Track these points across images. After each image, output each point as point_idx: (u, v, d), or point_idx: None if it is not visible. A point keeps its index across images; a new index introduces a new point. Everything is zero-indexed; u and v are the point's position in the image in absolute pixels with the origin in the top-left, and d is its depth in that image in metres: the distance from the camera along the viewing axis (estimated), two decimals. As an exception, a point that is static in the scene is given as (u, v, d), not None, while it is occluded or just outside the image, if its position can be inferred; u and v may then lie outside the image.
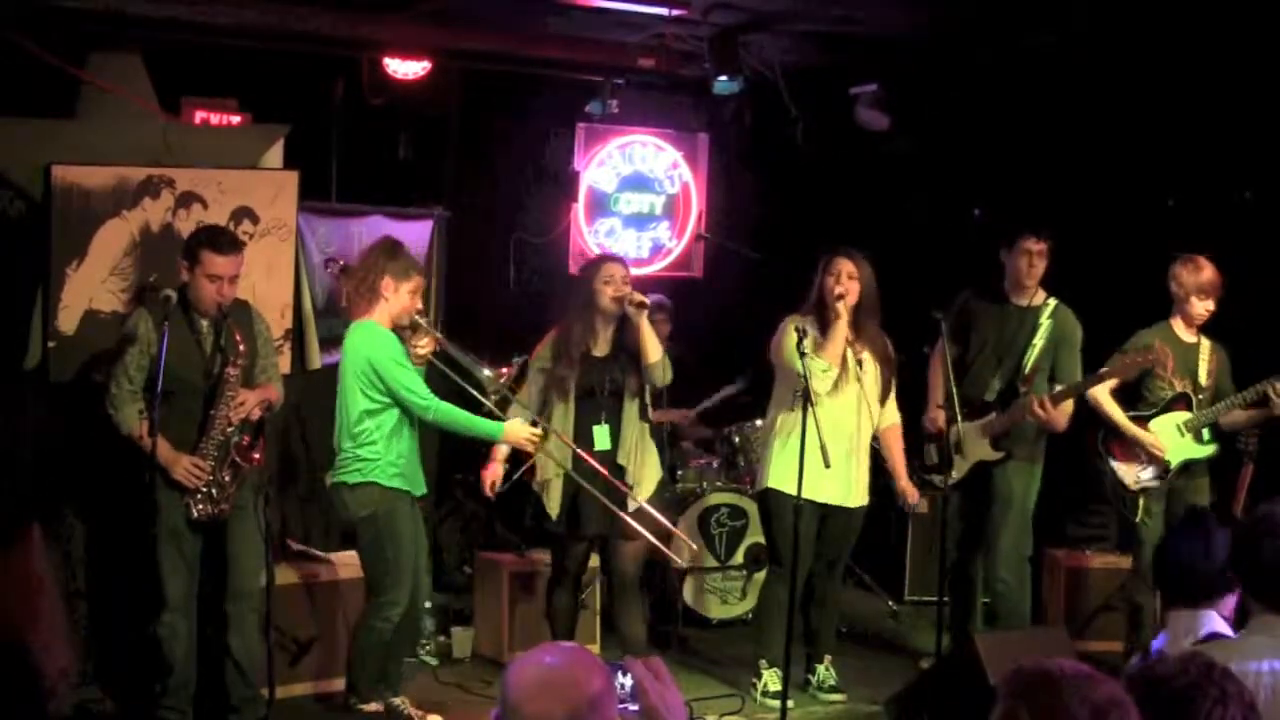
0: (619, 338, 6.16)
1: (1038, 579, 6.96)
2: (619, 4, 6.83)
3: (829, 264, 6.29)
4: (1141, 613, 6.50)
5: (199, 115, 6.65)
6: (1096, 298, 6.81)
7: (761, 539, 6.95)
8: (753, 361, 7.55)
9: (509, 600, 6.89)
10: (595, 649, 6.72)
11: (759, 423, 7.22)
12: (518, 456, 6.25)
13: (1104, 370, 6.44)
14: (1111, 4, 6.59)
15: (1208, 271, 6.42)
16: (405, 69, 7.24)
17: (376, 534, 5.83)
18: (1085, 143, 7.56)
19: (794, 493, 5.99)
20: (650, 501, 6.18)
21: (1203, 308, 6.44)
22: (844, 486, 6.32)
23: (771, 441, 6.40)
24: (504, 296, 8.17)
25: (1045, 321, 6.57)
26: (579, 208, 8.30)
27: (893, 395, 6.47)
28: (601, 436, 6.13)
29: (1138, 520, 6.52)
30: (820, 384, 6.17)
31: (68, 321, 6.05)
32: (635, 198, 8.55)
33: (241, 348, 5.54)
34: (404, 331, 5.91)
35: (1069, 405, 6.46)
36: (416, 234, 7.42)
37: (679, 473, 7.72)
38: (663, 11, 6.91)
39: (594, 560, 6.51)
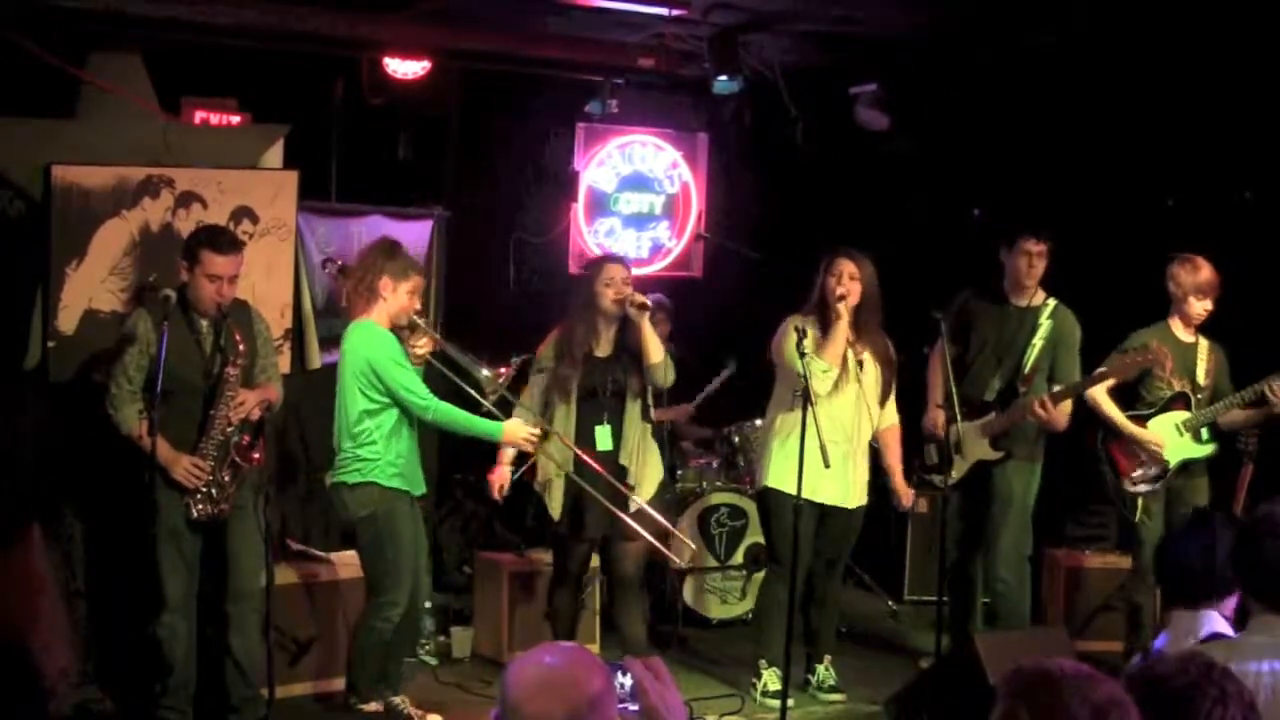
0: (621, 338, 6.16)
1: (1037, 579, 6.96)
2: (619, 4, 6.82)
3: (831, 264, 6.29)
4: (1141, 613, 6.51)
5: (199, 115, 6.65)
6: (1096, 298, 6.81)
7: (761, 539, 6.95)
8: (740, 348, 7.57)
9: (509, 600, 6.89)
10: (595, 649, 6.72)
11: (759, 422, 7.21)
12: (519, 457, 6.24)
13: (1102, 370, 6.44)
14: (1111, 4, 6.59)
15: (1205, 271, 6.42)
16: (405, 69, 7.24)
17: (376, 534, 5.83)
18: (1085, 143, 7.55)
19: (793, 492, 5.99)
20: (652, 501, 6.18)
21: (1200, 307, 6.44)
22: (843, 487, 6.32)
23: (770, 441, 6.41)
24: (504, 296, 8.17)
25: (1045, 322, 6.57)
26: (579, 207, 8.30)
27: (892, 396, 6.47)
28: (604, 436, 6.13)
29: (1137, 520, 6.53)
30: (820, 384, 6.17)
31: (67, 321, 6.05)
32: (635, 197, 8.55)
33: (241, 347, 5.54)
34: (402, 331, 5.91)
35: (1068, 405, 6.46)
36: (416, 234, 7.42)
37: (679, 473, 7.72)
38: (663, 11, 6.91)
39: (594, 560, 6.51)
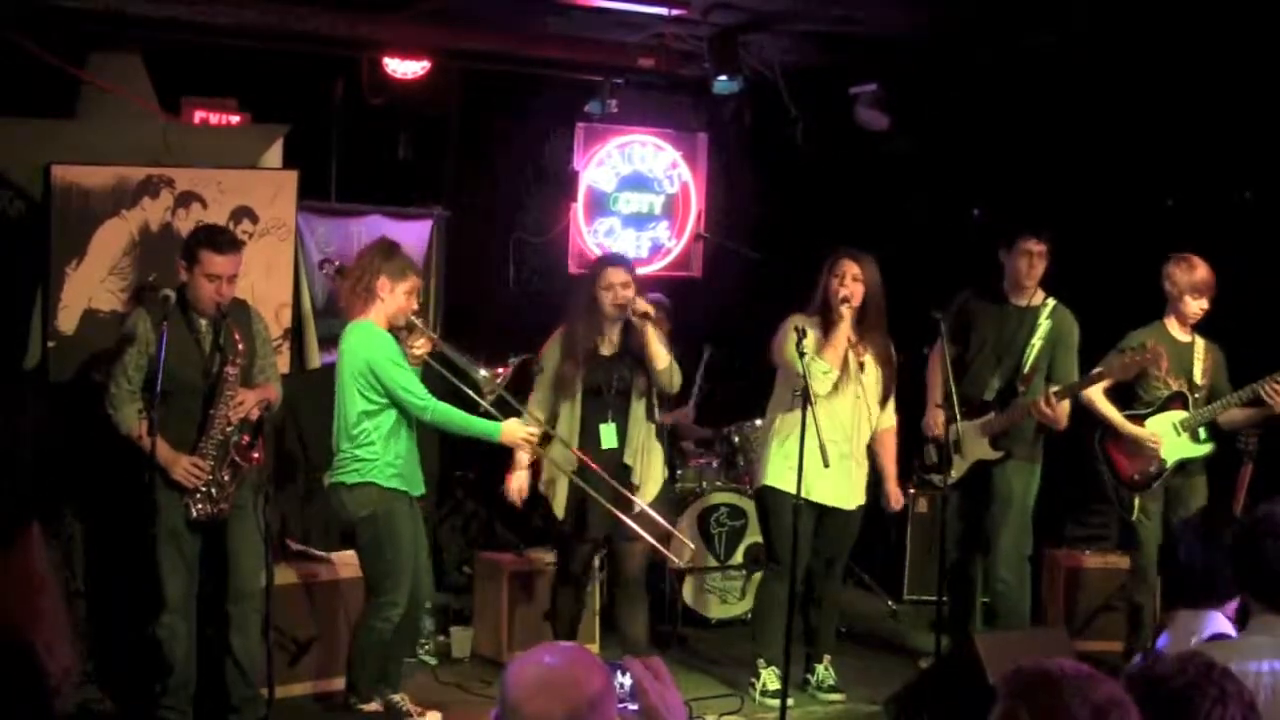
0: (626, 337, 6.16)
1: (1037, 579, 6.96)
2: (619, 4, 6.83)
3: (834, 265, 6.28)
4: (1141, 613, 6.51)
5: (199, 115, 6.65)
6: (1096, 298, 6.81)
7: (761, 539, 6.95)
8: (739, 348, 7.57)
9: (508, 600, 6.89)
10: (595, 649, 6.72)
11: (758, 422, 7.22)
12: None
13: (1100, 370, 6.44)
14: (1111, 4, 6.59)
15: (1201, 270, 6.42)
16: (405, 69, 7.24)
17: (375, 534, 5.83)
18: (1085, 143, 7.56)
19: (792, 491, 6.00)
20: (655, 501, 6.18)
21: (1197, 306, 6.44)
22: (841, 488, 6.32)
23: (770, 440, 6.41)
24: (503, 296, 8.17)
25: (1044, 321, 6.57)
26: (578, 207, 8.30)
27: (891, 398, 6.47)
28: (608, 435, 6.13)
29: (1134, 519, 6.53)
30: (820, 385, 6.17)
31: (67, 321, 6.05)
32: (634, 197, 8.55)
33: (240, 347, 5.54)
34: (400, 332, 5.90)
35: (1067, 404, 6.47)
36: (416, 234, 7.42)
37: (679, 472, 7.72)
38: (662, 11, 6.91)
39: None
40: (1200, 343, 6.54)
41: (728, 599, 7.59)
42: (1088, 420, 6.58)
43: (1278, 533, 3.41)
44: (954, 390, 6.27)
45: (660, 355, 6.08)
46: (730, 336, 8.17)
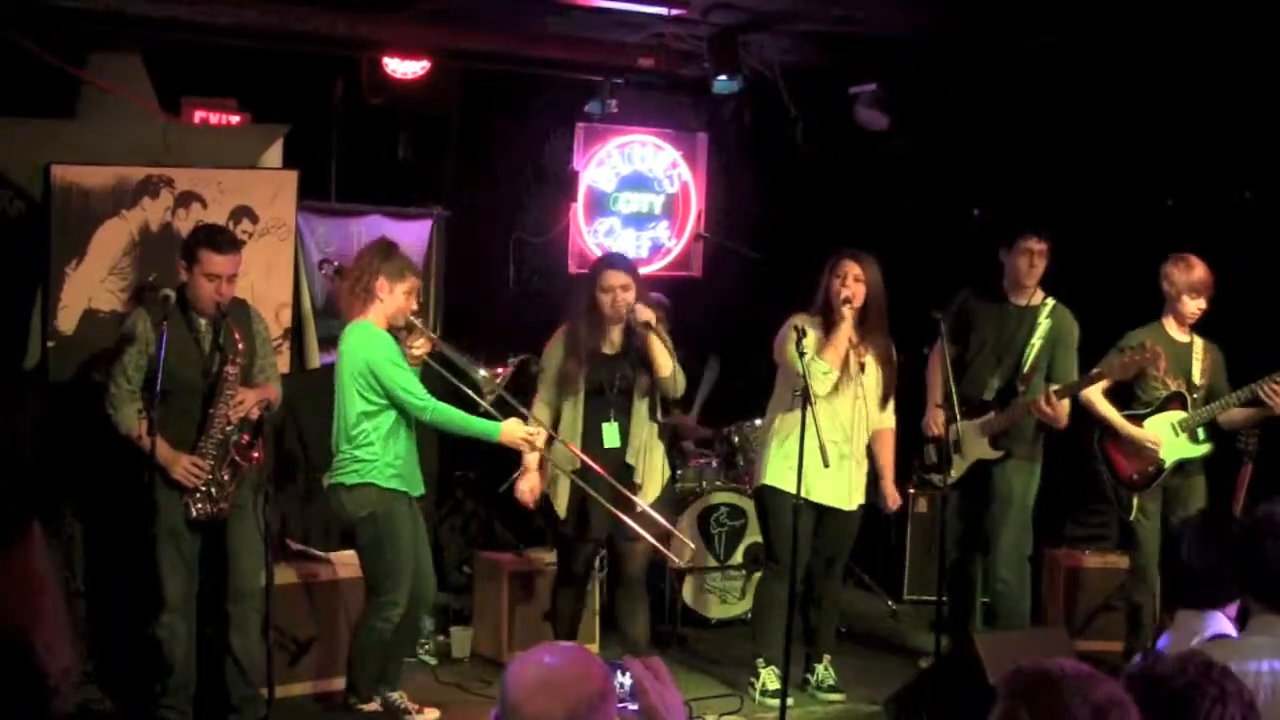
0: (628, 337, 6.15)
1: (1037, 579, 6.96)
2: (619, 4, 6.83)
3: (835, 265, 6.28)
4: (1140, 612, 6.52)
5: (199, 115, 6.65)
6: (1095, 298, 6.81)
7: (761, 539, 6.95)
8: (739, 348, 7.56)
9: (508, 600, 6.89)
10: (595, 649, 6.72)
11: (758, 422, 7.22)
12: (519, 455, 6.22)
13: (1100, 370, 6.44)
14: (1111, 4, 6.59)
15: (1199, 270, 6.42)
16: (405, 69, 7.24)
17: (375, 535, 5.83)
18: (1085, 143, 7.56)
19: (792, 490, 6.00)
20: (656, 501, 6.18)
21: (1195, 306, 6.44)
22: (840, 489, 6.32)
23: (769, 440, 6.41)
24: (503, 296, 8.17)
25: (1044, 321, 6.58)
26: (578, 207, 8.30)
27: (891, 399, 6.46)
28: (611, 434, 6.13)
29: (1132, 519, 6.54)
30: (820, 385, 6.17)
31: (67, 321, 6.05)
32: (634, 197, 8.55)
33: (240, 346, 5.54)
34: (399, 332, 5.90)
35: (1066, 403, 6.47)
36: (416, 234, 7.42)
37: (679, 472, 7.71)
38: (662, 11, 6.91)
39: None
40: (1199, 343, 6.54)
41: (728, 599, 7.59)
42: (1087, 420, 6.58)
43: (1278, 533, 3.41)
44: (954, 390, 6.28)
45: (664, 363, 6.07)
46: (730, 336, 8.17)
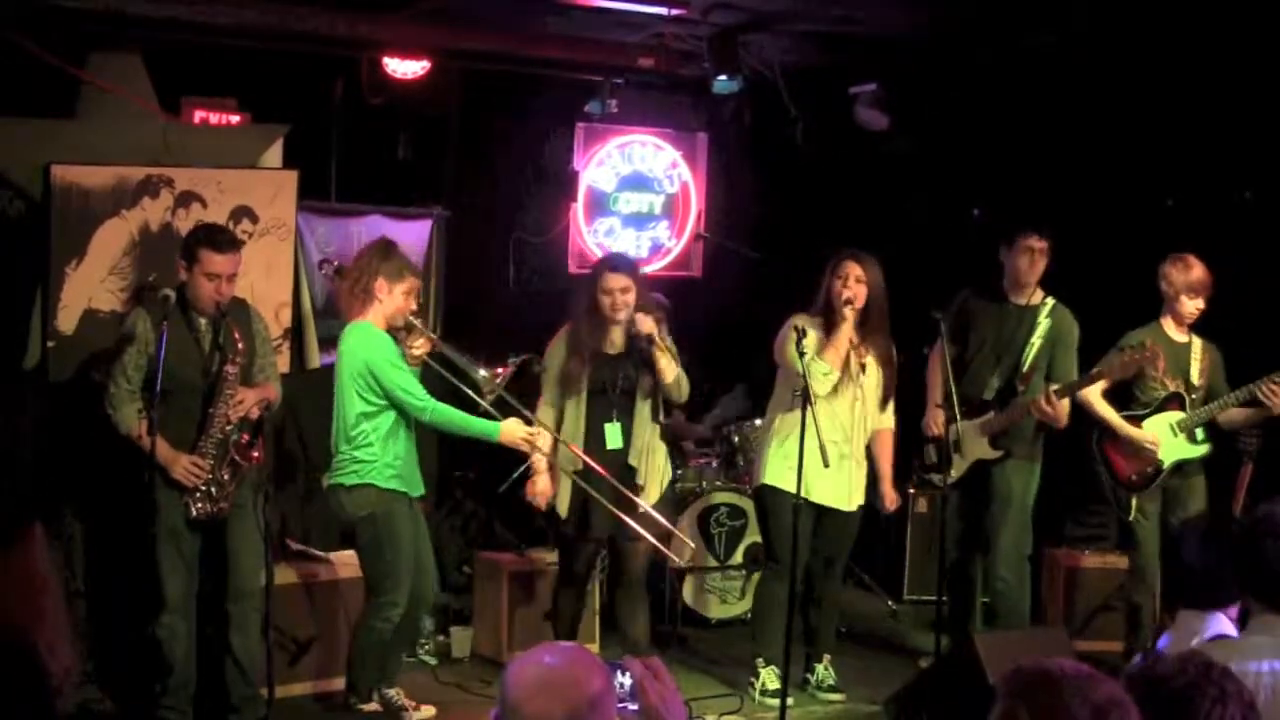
0: (632, 339, 6.13)
1: (1037, 579, 6.96)
2: (619, 4, 6.83)
3: (837, 266, 6.28)
4: (1140, 613, 6.52)
5: (199, 115, 6.65)
6: (1095, 298, 6.81)
7: (761, 539, 6.95)
8: (746, 367, 7.56)
9: (508, 600, 6.89)
10: (595, 649, 6.72)
11: (758, 422, 7.22)
12: (519, 455, 6.21)
13: (1099, 369, 6.45)
14: (1111, 4, 6.59)
15: (1197, 270, 6.42)
16: (405, 69, 7.24)
17: (375, 535, 5.83)
18: (1085, 143, 7.56)
19: (791, 490, 6.00)
20: (658, 501, 6.18)
21: (1193, 306, 6.44)
22: (840, 489, 6.32)
23: (769, 440, 6.40)
24: (503, 296, 8.17)
25: (1044, 321, 6.58)
26: (578, 207, 8.30)
27: (891, 400, 6.46)
28: (613, 435, 6.12)
29: (1131, 520, 6.53)
30: (820, 386, 6.17)
31: (67, 321, 6.05)
32: (634, 197, 8.55)
33: (240, 346, 5.54)
34: (399, 332, 5.90)
35: (1066, 403, 6.47)
36: (416, 234, 7.42)
37: (679, 472, 7.71)
38: (662, 11, 6.91)
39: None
40: (1197, 343, 6.54)
41: (728, 599, 7.58)
42: (1085, 421, 6.58)
43: (1278, 533, 3.41)
44: (954, 390, 6.28)
45: (668, 371, 6.07)
46: (730, 336, 8.17)
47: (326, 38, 6.65)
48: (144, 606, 5.56)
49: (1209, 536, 3.69)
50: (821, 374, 6.18)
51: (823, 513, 6.34)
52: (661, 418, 6.28)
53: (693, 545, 7.15)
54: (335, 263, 6.54)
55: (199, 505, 5.53)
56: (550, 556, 6.86)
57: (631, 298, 6.05)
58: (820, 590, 6.52)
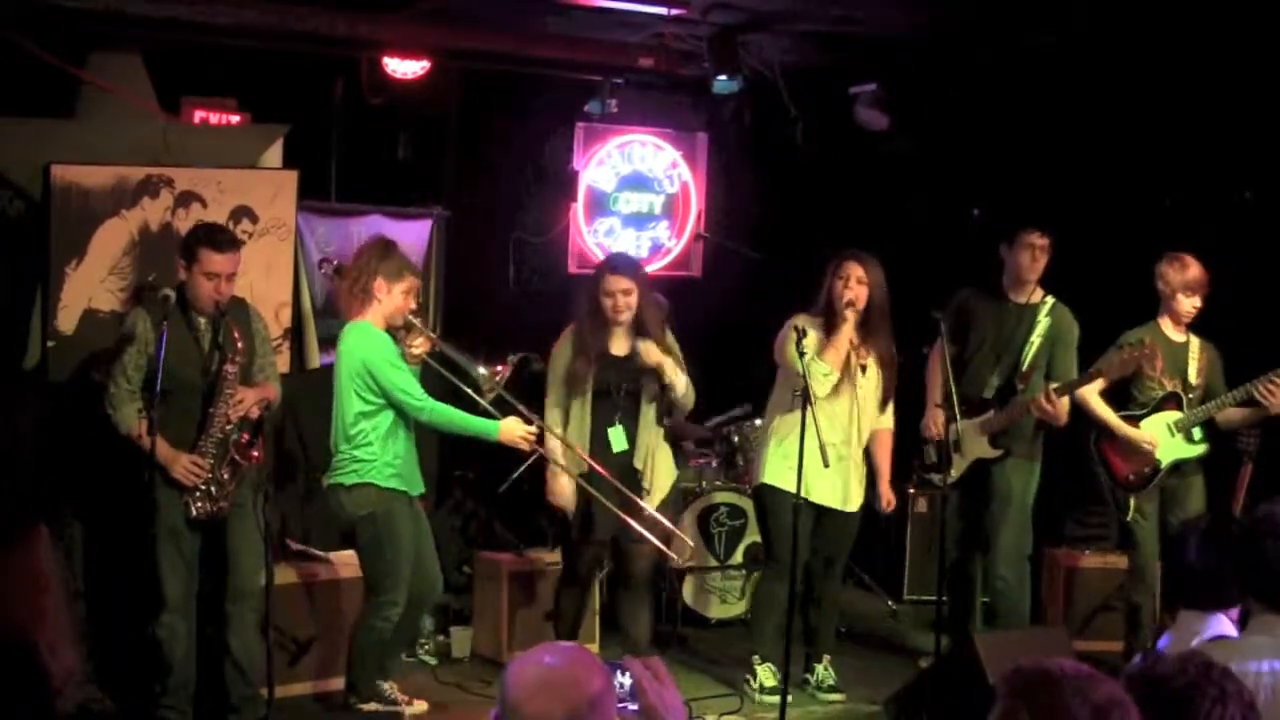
0: (636, 340, 6.13)
1: (1037, 578, 6.96)
2: (619, 4, 6.83)
3: (838, 267, 6.27)
4: (1139, 613, 6.52)
5: (198, 115, 6.65)
6: (1094, 298, 6.81)
7: (760, 538, 6.95)
8: (746, 367, 7.55)
9: (508, 600, 6.89)
10: (595, 649, 6.72)
11: (758, 422, 7.22)
12: (520, 454, 6.21)
13: (1098, 368, 6.45)
14: (1111, 4, 6.59)
15: (1194, 269, 6.43)
16: (405, 69, 7.24)
17: (375, 534, 5.83)
18: (1084, 143, 7.56)
19: (791, 489, 6.00)
20: (663, 502, 6.18)
21: (1190, 305, 6.45)
22: (839, 490, 6.32)
23: (768, 440, 6.41)
24: (503, 296, 8.17)
25: (1043, 319, 6.58)
26: (578, 207, 8.30)
27: (890, 402, 6.46)
28: (617, 438, 6.12)
29: (1129, 520, 6.54)
30: (820, 387, 6.16)
31: (67, 321, 6.05)
32: (634, 197, 8.55)
33: (240, 345, 5.54)
34: (398, 332, 5.90)
35: (1066, 400, 6.47)
36: (416, 234, 7.42)
37: (678, 472, 7.71)
38: (662, 11, 6.91)
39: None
40: (1195, 342, 6.54)
41: (728, 599, 7.58)
42: (1084, 421, 6.58)
43: (1278, 533, 3.41)
44: (954, 390, 6.28)
45: (678, 383, 6.08)
46: (730, 336, 8.16)
47: (326, 38, 6.65)
48: (144, 606, 5.56)
49: (1209, 536, 3.68)
50: (821, 374, 6.18)
51: (822, 513, 6.34)
52: (665, 421, 6.28)
53: (691, 544, 7.15)
54: (335, 262, 6.54)
55: (199, 505, 5.53)
56: (550, 556, 6.87)
57: (634, 299, 6.05)
58: (820, 590, 6.52)
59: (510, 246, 8.23)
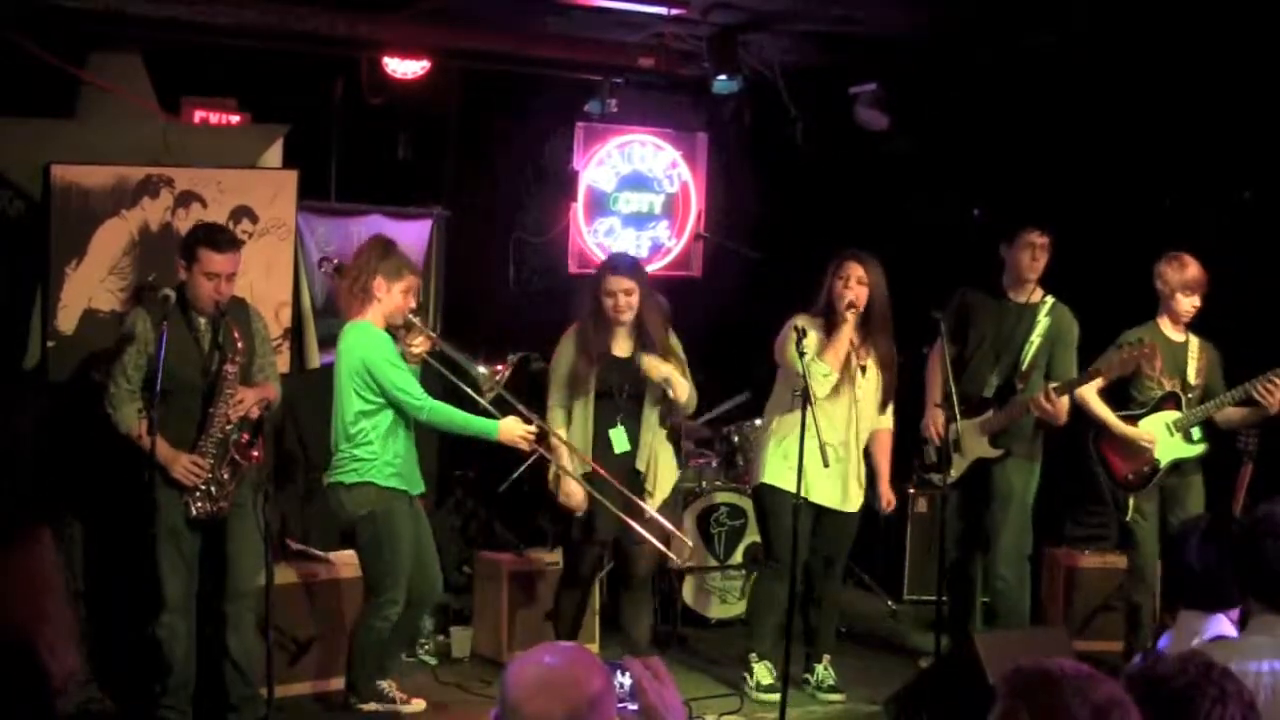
0: (641, 339, 6.12)
1: (1037, 578, 6.96)
2: (619, 4, 6.83)
3: (839, 267, 6.27)
4: (1139, 612, 6.52)
5: (198, 115, 6.65)
6: (1094, 298, 6.81)
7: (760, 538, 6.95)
8: (746, 367, 7.56)
9: (508, 600, 6.89)
10: (595, 649, 6.72)
11: (758, 422, 7.22)
12: (519, 454, 6.21)
13: (1097, 367, 6.45)
14: (1111, 4, 6.59)
15: (1192, 268, 6.43)
16: (405, 68, 7.24)
17: (374, 534, 5.83)
18: (1084, 143, 7.56)
19: (791, 489, 6.00)
20: (664, 503, 6.18)
21: (1188, 304, 6.45)
22: (838, 490, 6.33)
23: (767, 440, 6.40)
24: (503, 296, 8.16)
25: (1043, 319, 6.58)
26: (578, 207, 8.30)
27: (890, 403, 6.45)
28: (619, 439, 6.12)
29: (1129, 520, 6.54)
30: (820, 387, 6.16)
31: (67, 321, 6.05)
32: (634, 197, 8.54)
33: (240, 345, 5.54)
34: (398, 331, 5.90)
35: (1066, 399, 6.48)
36: (416, 233, 7.42)
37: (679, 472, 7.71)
38: (662, 11, 6.91)
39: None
40: (1194, 342, 6.54)
41: (727, 599, 7.58)
42: (1083, 420, 6.58)
43: (1278, 533, 3.41)
44: (953, 390, 6.28)
45: (681, 392, 6.09)
46: (730, 336, 8.16)
47: (326, 38, 6.65)
48: (144, 606, 5.56)
49: (1209, 536, 3.68)
50: (821, 375, 6.18)
51: (821, 513, 6.34)
52: (668, 422, 6.28)
53: (690, 544, 7.15)
54: (335, 260, 6.54)
55: (199, 505, 5.53)
56: (550, 556, 6.86)
57: (635, 299, 6.05)
58: (820, 590, 6.52)
59: (510, 246, 8.23)
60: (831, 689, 6.50)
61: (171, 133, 6.41)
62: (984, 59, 7.49)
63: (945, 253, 7.65)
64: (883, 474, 6.51)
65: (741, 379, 7.96)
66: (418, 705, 6.06)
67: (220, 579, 5.69)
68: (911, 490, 7.84)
